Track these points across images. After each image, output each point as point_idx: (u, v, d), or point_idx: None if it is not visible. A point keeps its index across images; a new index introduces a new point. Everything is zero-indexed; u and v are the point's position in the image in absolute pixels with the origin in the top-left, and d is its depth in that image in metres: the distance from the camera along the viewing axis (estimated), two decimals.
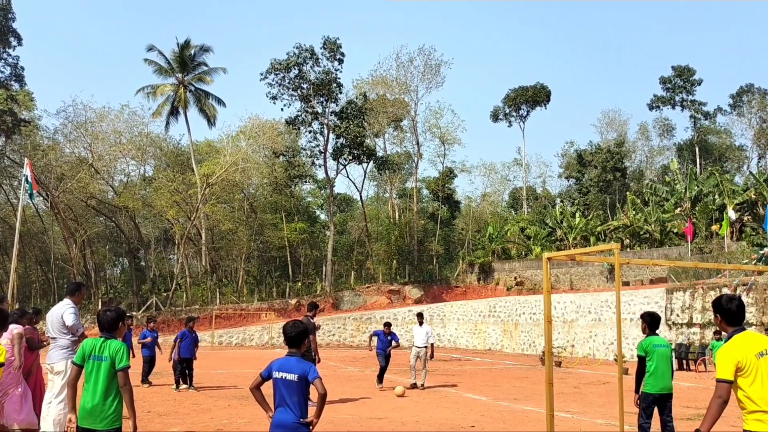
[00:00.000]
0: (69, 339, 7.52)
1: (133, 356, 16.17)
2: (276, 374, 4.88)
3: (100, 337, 5.20)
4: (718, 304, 4.39)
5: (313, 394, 4.91)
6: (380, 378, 15.40)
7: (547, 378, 6.43)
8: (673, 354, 8.10)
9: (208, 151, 50.07)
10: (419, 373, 15.51)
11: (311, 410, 4.86)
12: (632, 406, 7.76)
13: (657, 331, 7.67)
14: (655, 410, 7.66)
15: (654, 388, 7.40)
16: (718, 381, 4.04)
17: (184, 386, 14.67)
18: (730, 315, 4.31)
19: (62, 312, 7.54)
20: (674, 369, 7.66)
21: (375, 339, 15.66)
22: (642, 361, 7.51)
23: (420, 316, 16.58)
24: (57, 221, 44.37)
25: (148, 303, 40.60)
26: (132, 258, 51.38)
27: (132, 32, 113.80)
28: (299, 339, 5.02)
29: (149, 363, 16.06)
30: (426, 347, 15.53)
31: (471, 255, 49.14)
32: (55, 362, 7.42)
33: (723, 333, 4.58)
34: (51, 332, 7.59)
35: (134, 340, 16.16)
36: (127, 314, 21.69)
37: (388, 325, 15.76)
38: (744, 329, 4.27)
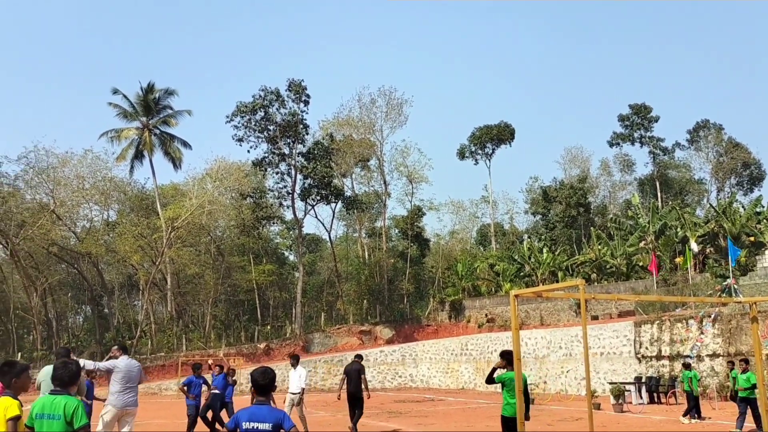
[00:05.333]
0: None
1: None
2: (246, 425, 4.62)
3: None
4: None
5: None
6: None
7: (520, 418, 6.31)
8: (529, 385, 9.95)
9: (174, 194, 49.47)
10: (300, 423, 14.01)
11: None
12: None
13: (512, 367, 8.86)
14: None
15: (509, 412, 8.71)
16: None
17: None
18: None
19: None
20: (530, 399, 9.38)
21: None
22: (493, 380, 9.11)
23: (295, 358, 14.68)
24: (17, 269, 43.09)
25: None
26: (95, 305, 50.04)
27: (95, 76, 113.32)
28: (270, 387, 4.86)
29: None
30: (300, 393, 14.06)
31: (441, 293, 49.05)
32: None
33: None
34: None
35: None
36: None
37: (219, 366, 14.97)
38: None
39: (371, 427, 15.07)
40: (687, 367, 17.67)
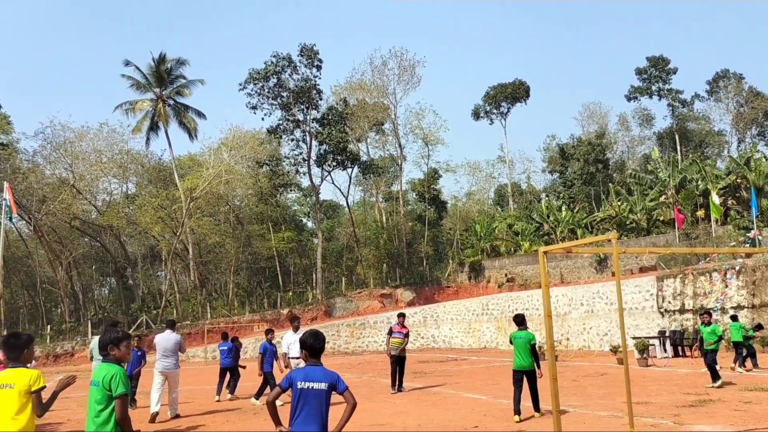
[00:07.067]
0: None
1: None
2: (301, 384, 4.71)
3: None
4: None
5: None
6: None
7: (552, 373, 6.34)
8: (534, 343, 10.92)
9: (191, 165, 49.69)
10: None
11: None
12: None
13: (524, 327, 11.08)
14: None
15: (516, 365, 10.75)
16: None
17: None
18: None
19: None
20: (536, 354, 10.75)
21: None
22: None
23: (295, 320, 13.53)
24: (41, 244, 43.82)
25: (138, 322, 40.17)
26: (119, 277, 50.85)
27: (106, 48, 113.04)
28: (322, 349, 4.98)
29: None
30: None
31: (460, 254, 49.14)
32: None
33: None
34: None
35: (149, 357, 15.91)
36: (133, 335, 20.80)
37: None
38: None
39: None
40: (734, 318, 17.67)
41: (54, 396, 5.19)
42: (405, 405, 13.05)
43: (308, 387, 4.70)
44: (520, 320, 11.20)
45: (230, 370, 15.83)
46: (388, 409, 12.61)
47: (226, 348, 16.08)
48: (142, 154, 49.77)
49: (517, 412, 10.42)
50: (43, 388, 5.00)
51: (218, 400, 15.14)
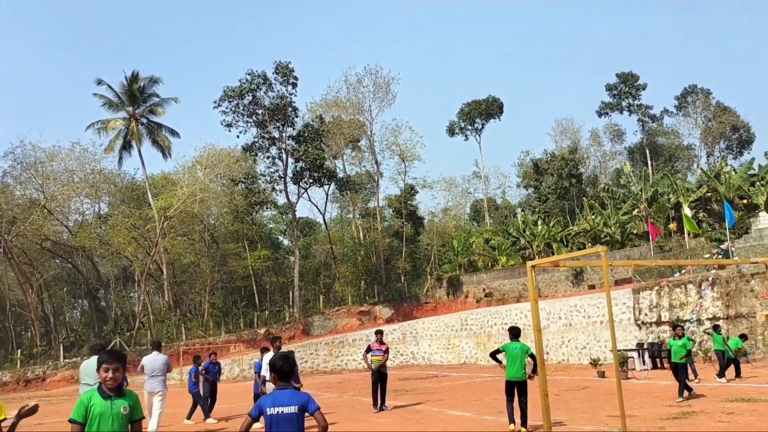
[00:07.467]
0: None
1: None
2: (270, 410, 4.57)
3: None
4: None
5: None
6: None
7: (542, 389, 6.28)
8: (528, 353, 10.87)
9: (165, 184, 49.04)
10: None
11: None
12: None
13: (519, 339, 10.97)
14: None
15: (509, 376, 10.73)
16: None
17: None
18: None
19: None
20: (525, 365, 10.71)
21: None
22: (498, 352, 11.11)
23: (276, 340, 12.75)
24: (11, 266, 42.77)
25: (112, 344, 39.27)
26: (92, 299, 49.84)
27: (78, 67, 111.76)
28: (292, 372, 4.84)
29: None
30: None
31: (438, 270, 49.15)
32: None
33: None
34: None
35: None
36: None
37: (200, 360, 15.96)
38: None
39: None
40: (716, 329, 17.88)
41: (16, 423, 4.94)
42: (389, 424, 12.89)
43: (278, 412, 4.56)
44: (516, 332, 11.17)
45: (193, 395, 15.40)
46: (372, 429, 12.44)
47: (191, 372, 15.67)
48: (114, 173, 49.02)
49: (512, 421, 10.62)
50: (3, 420, 4.78)
51: (190, 422, 15.07)
